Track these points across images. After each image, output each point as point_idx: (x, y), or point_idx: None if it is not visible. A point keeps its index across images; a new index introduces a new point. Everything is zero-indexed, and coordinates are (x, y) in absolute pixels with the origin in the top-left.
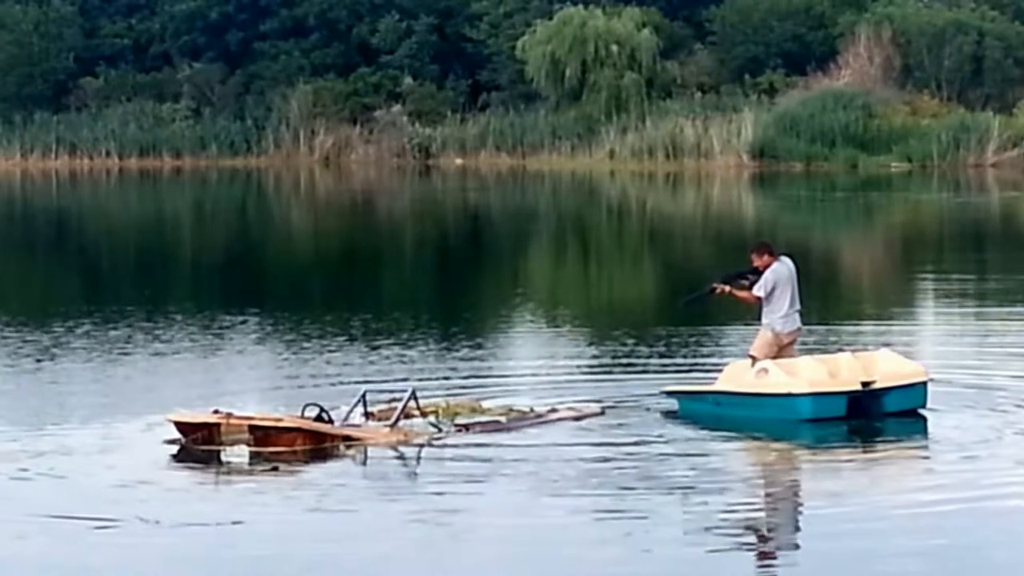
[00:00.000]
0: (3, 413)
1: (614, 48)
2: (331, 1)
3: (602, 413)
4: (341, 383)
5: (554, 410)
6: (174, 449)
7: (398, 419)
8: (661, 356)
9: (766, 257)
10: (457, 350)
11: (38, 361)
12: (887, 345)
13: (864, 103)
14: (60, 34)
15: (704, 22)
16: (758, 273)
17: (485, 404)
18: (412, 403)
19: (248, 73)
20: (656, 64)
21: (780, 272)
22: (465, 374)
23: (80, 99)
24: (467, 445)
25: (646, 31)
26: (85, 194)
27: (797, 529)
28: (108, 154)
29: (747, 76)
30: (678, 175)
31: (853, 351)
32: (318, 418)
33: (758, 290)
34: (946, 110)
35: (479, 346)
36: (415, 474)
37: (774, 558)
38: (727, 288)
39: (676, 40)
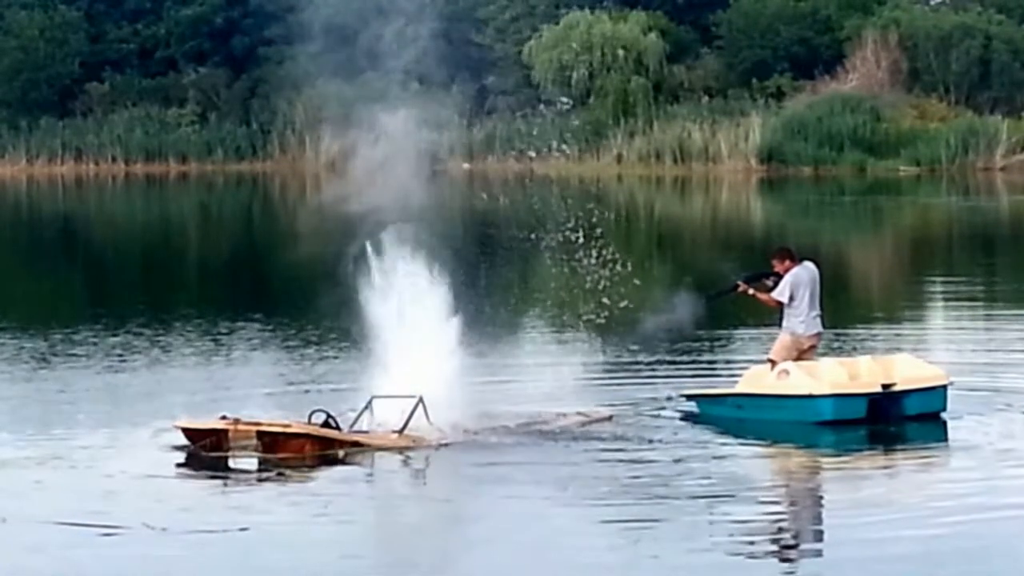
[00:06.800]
0: (9, 420)
1: (620, 53)
2: (336, 6)
3: (611, 419)
4: (348, 390)
5: (563, 415)
6: (182, 455)
7: (406, 425)
8: (670, 361)
9: (787, 262)
10: (464, 355)
11: (44, 367)
12: (901, 349)
13: (872, 107)
14: (66, 39)
15: (711, 26)
16: (780, 277)
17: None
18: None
19: (253, 78)
20: (663, 68)
21: (800, 276)
22: (472, 379)
23: (86, 104)
24: (475, 451)
25: (652, 35)
26: (91, 199)
27: (817, 538)
28: (114, 159)
29: (754, 80)
30: (686, 179)
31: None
32: (325, 424)
33: (778, 295)
34: (954, 114)
35: (486, 351)
36: (423, 481)
37: (791, 571)
38: (750, 289)
39: (683, 44)
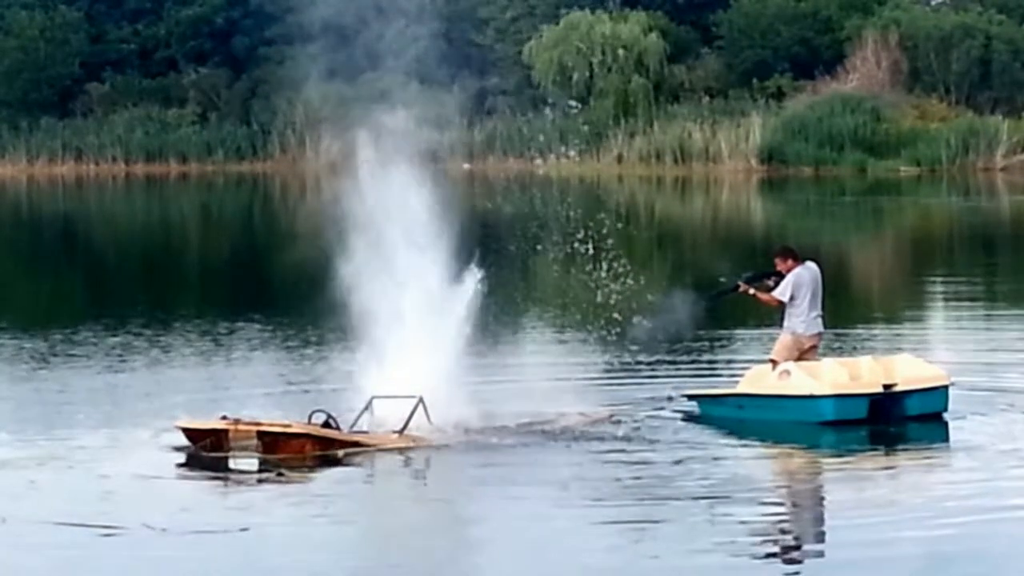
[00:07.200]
0: (9, 420)
1: (621, 53)
2: (337, 7)
3: (611, 419)
4: (347, 390)
5: (563, 415)
6: (182, 455)
7: (406, 425)
8: (671, 361)
9: (790, 262)
10: (465, 356)
11: (44, 367)
12: (902, 349)
13: (872, 107)
14: (66, 40)
15: (711, 26)
16: (782, 277)
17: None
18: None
19: (254, 78)
20: (663, 68)
21: (802, 276)
22: (473, 380)
23: (86, 104)
24: (476, 452)
25: (653, 35)
26: (91, 200)
27: (819, 539)
28: (114, 160)
29: (755, 80)
30: (686, 180)
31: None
32: (325, 425)
33: (779, 294)
34: (954, 114)
35: (487, 351)
36: (423, 481)
37: (793, 572)
38: (751, 289)
39: (683, 45)
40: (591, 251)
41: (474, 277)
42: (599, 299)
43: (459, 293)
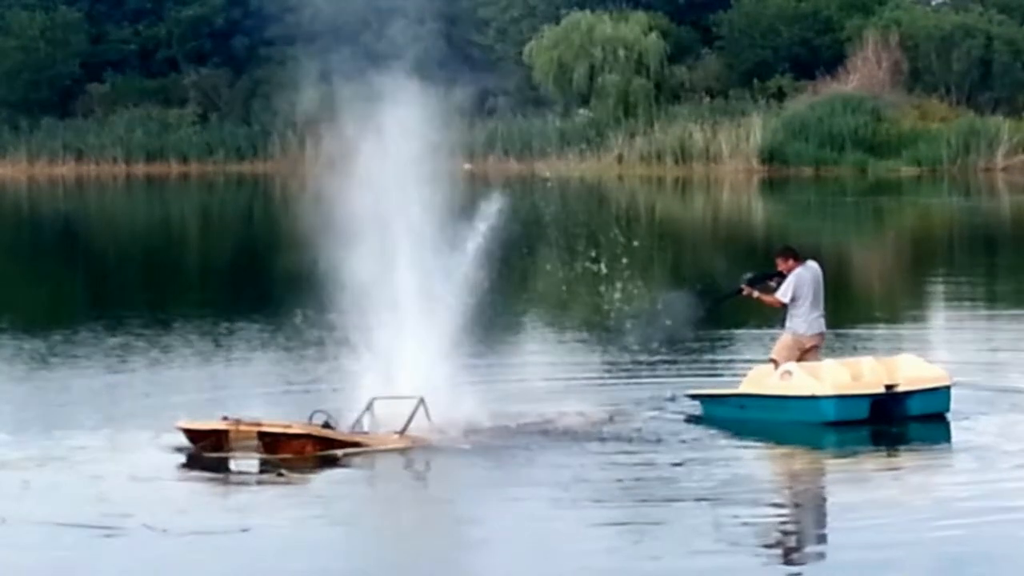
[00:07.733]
0: (9, 420)
1: (621, 53)
2: (338, 7)
3: (612, 418)
4: (348, 390)
5: (564, 415)
6: (182, 456)
7: (407, 426)
8: (672, 361)
9: (791, 262)
10: (465, 356)
11: (44, 367)
12: (904, 349)
13: (873, 107)
14: (67, 40)
15: (711, 27)
16: (783, 277)
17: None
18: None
19: (254, 78)
20: (664, 69)
21: (803, 276)
22: (474, 380)
23: (87, 105)
24: (476, 452)
25: (653, 36)
26: (92, 200)
27: (821, 540)
28: (115, 160)
29: (755, 80)
30: (687, 180)
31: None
32: (325, 425)
33: (781, 295)
34: (955, 114)
35: (487, 351)
36: (424, 482)
37: (795, 573)
38: (754, 292)
39: (683, 45)
40: (592, 252)
41: (498, 202)
42: (600, 300)
43: (466, 257)
